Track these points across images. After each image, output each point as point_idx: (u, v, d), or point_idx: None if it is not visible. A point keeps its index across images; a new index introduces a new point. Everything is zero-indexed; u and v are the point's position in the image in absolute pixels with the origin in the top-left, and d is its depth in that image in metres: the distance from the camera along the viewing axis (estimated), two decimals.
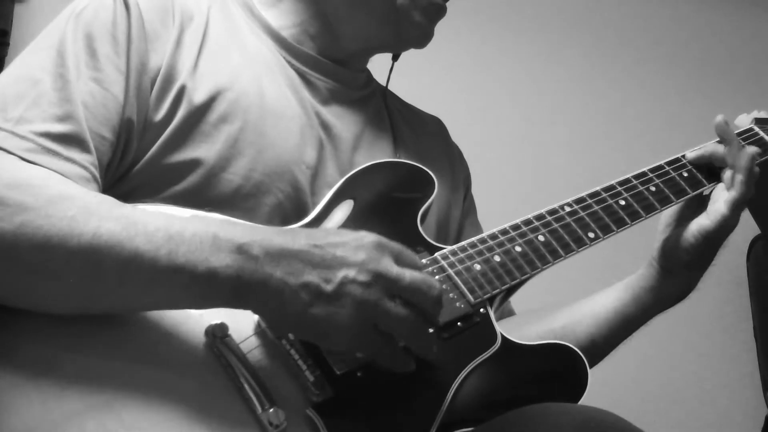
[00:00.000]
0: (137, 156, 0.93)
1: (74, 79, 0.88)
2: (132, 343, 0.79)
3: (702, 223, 1.06)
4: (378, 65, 1.19)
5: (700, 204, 1.11)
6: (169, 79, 0.94)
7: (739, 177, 1.07)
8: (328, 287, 0.77)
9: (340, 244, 0.80)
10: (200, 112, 0.94)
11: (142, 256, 0.75)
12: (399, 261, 0.81)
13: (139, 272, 0.76)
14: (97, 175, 0.88)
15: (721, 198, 1.07)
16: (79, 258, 0.75)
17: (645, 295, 1.12)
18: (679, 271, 1.10)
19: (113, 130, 0.90)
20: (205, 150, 0.93)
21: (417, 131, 1.20)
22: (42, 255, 0.75)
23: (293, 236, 0.80)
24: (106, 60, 0.91)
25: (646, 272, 1.13)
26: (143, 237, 0.76)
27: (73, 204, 0.77)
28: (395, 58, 1.18)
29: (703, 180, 1.12)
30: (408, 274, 0.80)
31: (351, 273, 0.78)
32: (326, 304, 0.77)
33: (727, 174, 1.08)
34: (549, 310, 1.17)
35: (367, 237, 0.81)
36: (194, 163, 0.93)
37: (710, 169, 1.13)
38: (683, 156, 1.14)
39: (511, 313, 1.21)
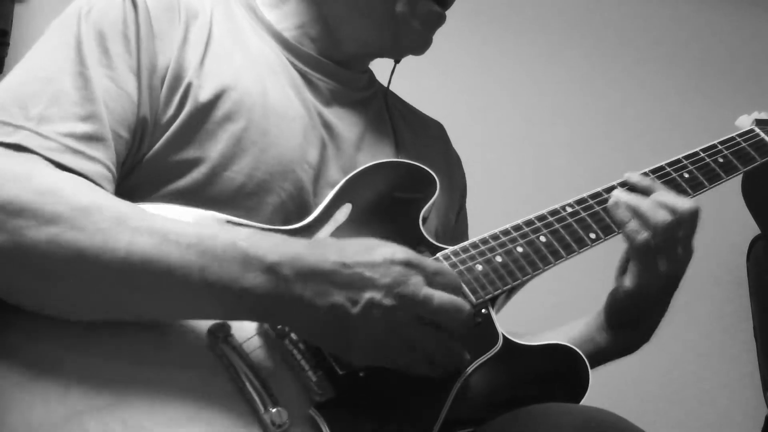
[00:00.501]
0: (144, 153, 0.93)
1: (94, 77, 0.89)
2: (134, 344, 0.79)
3: (623, 282, 1.02)
4: (380, 66, 1.19)
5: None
6: (177, 77, 0.94)
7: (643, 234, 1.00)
8: (354, 310, 0.78)
9: (369, 265, 0.79)
10: (205, 110, 0.94)
11: (174, 272, 0.76)
12: (432, 281, 0.81)
13: (170, 287, 0.77)
14: (116, 174, 0.89)
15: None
16: (111, 273, 0.76)
17: (585, 345, 1.07)
18: (615, 329, 1.07)
19: (129, 128, 0.90)
20: (208, 148, 0.94)
21: (417, 133, 1.20)
22: (73, 267, 0.75)
23: (323, 253, 0.80)
24: (119, 59, 0.91)
25: (592, 320, 1.09)
26: (176, 253, 0.77)
27: (105, 216, 0.77)
28: (397, 60, 1.18)
29: (705, 182, 1.12)
30: (437, 297, 0.80)
31: (377, 296, 0.78)
32: (352, 325, 0.78)
33: (626, 228, 1.01)
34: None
35: (399, 254, 0.81)
36: (198, 161, 0.93)
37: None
38: (684, 157, 1.14)
39: None
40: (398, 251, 0.81)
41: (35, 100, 0.85)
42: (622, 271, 1.04)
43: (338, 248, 0.81)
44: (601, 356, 1.07)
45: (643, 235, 0.99)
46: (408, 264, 0.80)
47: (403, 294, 0.78)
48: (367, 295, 0.78)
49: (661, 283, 1.02)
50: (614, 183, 1.08)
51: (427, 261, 0.82)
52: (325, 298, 0.78)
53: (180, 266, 0.76)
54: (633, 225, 1.00)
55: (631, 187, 1.05)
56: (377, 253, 0.80)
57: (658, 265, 1.00)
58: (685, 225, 1.01)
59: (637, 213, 1.01)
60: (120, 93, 0.90)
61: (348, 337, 0.79)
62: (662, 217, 1.00)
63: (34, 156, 0.82)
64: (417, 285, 0.79)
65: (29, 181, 0.78)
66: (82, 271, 0.75)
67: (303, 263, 0.78)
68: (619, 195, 1.03)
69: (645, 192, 1.04)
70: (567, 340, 1.03)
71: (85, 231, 0.76)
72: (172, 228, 0.79)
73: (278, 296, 0.77)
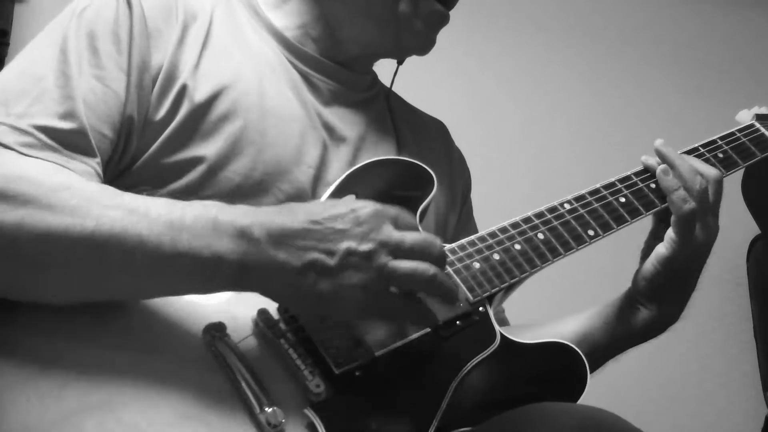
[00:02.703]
0: (138, 153, 0.93)
1: (76, 75, 0.89)
2: (130, 343, 0.79)
3: (659, 251, 1.01)
4: (383, 66, 1.19)
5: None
6: (170, 78, 0.94)
7: (682, 197, 1.01)
8: (332, 261, 0.78)
9: (339, 217, 0.80)
10: (202, 110, 0.94)
11: (145, 243, 0.76)
12: (397, 225, 0.82)
13: (143, 260, 0.76)
14: (99, 171, 0.88)
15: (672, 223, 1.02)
16: (82, 248, 0.76)
17: (615, 323, 1.06)
18: (646, 305, 1.05)
19: (113, 127, 0.90)
20: (205, 148, 0.94)
21: (419, 134, 1.20)
22: (45, 246, 0.75)
23: (292, 214, 0.80)
24: (108, 58, 0.91)
25: (618, 300, 1.08)
26: (145, 224, 0.77)
27: (74, 194, 0.77)
28: (400, 62, 1.18)
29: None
30: (408, 236, 0.81)
31: (353, 244, 0.79)
32: (332, 279, 0.78)
33: (674, 195, 1.02)
34: (518, 331, 1.10)
35: (365, 207, 0.81)
36: (195, 161, 0.93)
37: None
38: (684, 153, 1.13)
39: (503, 322, 1.19)
40: (363, 203, 0.82)
41: (19, 98, 0.86)
42: (650, 249, 1.04)
43: (305, 208, 0.82)
44: (630, 337, 1.06)
45: (691, 204, 1.00)
46: (375, 212, 0.81)
47: (378, 239, 0.79)
48: (343, 245, 0.78)
49: (697, 252, 1.02)
50: (614, 179, 1.07)
51: (387, 207, 0.83)
52: (301, 256, 0.78)
53: (150, 238, 0.76)
54: (682, 193, 1.01)
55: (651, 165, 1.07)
56: (341, 205, 0.81)
57: (695, 232, 1.01)
58: (714, 191, 1.04)
59: (678, 175, 1.03)
60: (106, 91, 0.90)
61: (331, 292, 0.78)
62: (699, 182, 1.02)
63: (10, 151, 0.82)
64: (388, 229, 0.81)
65: (2, 167, 0.79)
66: (52, 249, 0.75)
67: (273, 224, 0.79)
68: (666, 151, 1.06)
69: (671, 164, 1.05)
70: (587, 327, 1.06)
71: (53, 209, 0.76)
72: (142, 202, 0.79)
73: (252, 260, 0.77)
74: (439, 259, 0.83)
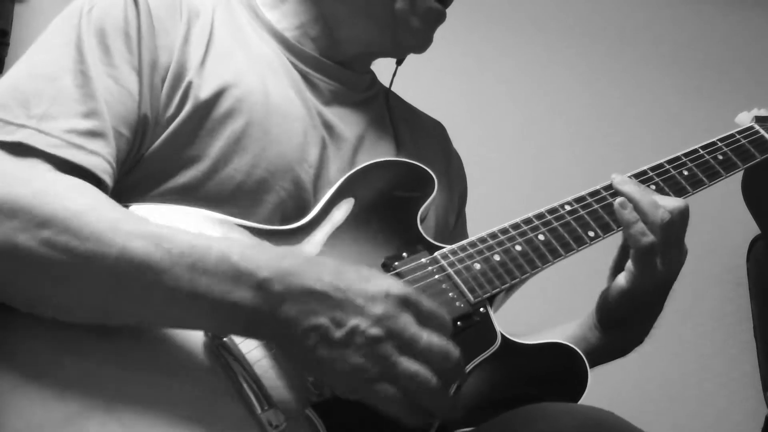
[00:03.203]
0: (145, 150, 0.93)
1: (95, 76, 0.89)
2: (132, 345, 0.79)
3: (619, 282, 1.01)
4: (382, 66, 1.19)
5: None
6: (178, 76, 0.94)
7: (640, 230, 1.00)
8: (337, 333, 0.75)
9: (363, 293, 0.76)
10: (206, 108, 0.94)
11: (164, 281, 0.75)
12: (423, 321, 0.78)
13: (160, 295, 0.75)
14: (116, 170, 0.88)
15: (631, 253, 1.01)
16: (102, 276, 0.75)
17: (580, 345, 1.01)
18: (608, 331, 1.05)
19: (130, 126, 0.90)
20: (208, 145, 0.94)
21: (418, 134, 1.20)
22: (66, 271, 0.75)
23: (318, 273, 0.77)
24: (120, 57, 0.91)
25: (585, 321, 1.08)
26: (168, 261, 0.75)
27: (100, 219, 0.76)
28: (399, 62, 1.18)
29: (704, 179, 1.12)
30: (426, 338, 0.76)
31: (363, 324, 0.75)
32: (332, 350, 0.75)
33: (631, 229, 1.00)
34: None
35: (395, 289, 0.77)
36: (197, 158, 0.93)
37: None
38: (684, 155, 1.14)
39: None
40: (395, 285, 0.78)
41: (37, 98, 0.86)
42: (617, 270, 1.03)
43: (335, 270, 0.78)
44: (595, 356, 1.05)
45: (649, 237, 0.99)
46: (403, 300, 0.77)
47: (391, 328, 0.75)
48: (354, 321, 0.75)
49: (658, 283, 1.01)
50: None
51: (423, 300, 0.79)
52: (310, 318, 0.75)
53: (170, 275, 0.75)
54: (640, 226, 0.99)
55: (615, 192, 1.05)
56: (374, 283, 0.77)
57: (657, 265, 1.00)
58: (678, 224, 1.01)
59: (639, 210, 1.01)
60: (121, 91, 0.90)
61: (327, 361, 0.75)
62: (661, 215, 1.00)
63: (36, 158, 0.82)
64: (407, 322, 0.76)
65: (27, 183, 0.78)
66: (73, 274, 0.75)
67: (295, 281, 0.76)
68: (625, 189, 1.03)
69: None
70: (563, 339, 1.03)
71: (79, 234, 0.75)
72: (166, 235, 0.77)
73: (266, 313, 0.75)
74: (452, 373, 0.77)
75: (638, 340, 1.07)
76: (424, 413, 0.77)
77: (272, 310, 0.75)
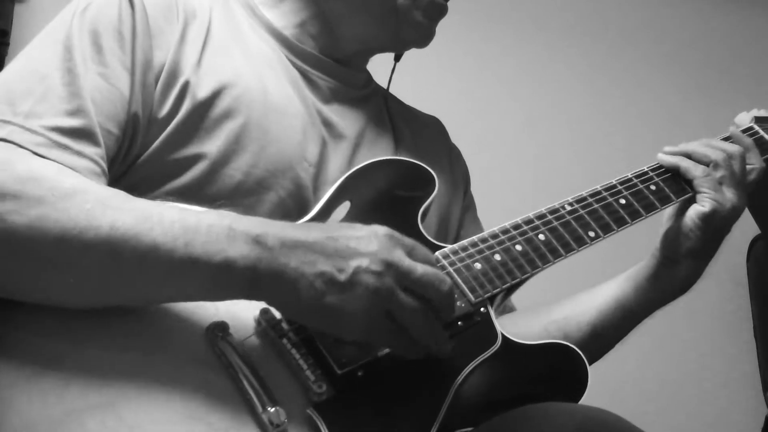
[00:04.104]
0: (141, 151, 0.93)
1: (82, 73, 0.89)
2: (133, 342, 0.79)
3: (698, 208, 1.07)
4: (380, 64, 1.19)
5: None
6: (173, 75, 0.94)
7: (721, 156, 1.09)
8: (342, 276, 0.78)
9: (354, 236, 0.80)
10: (203, 107, 0.94)
11: (159, 247, 0.76)
12: (411, 255, 0.82)
13: (156, 264, 0.76)
14: (105, 169, 0.88)
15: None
16: (96, 250, 0.75)
17: (647, 285, 1.11)
18: (681, 260, 1.09)
19: (119, 125, 0.90)
20: (207, 145, 0.94)
21: (417, 131, 1.20)
22: (59, 248, 0.75)
23: (307, 229, 0.81)
24: (112, 56, 0.91)
25: (648, 263, 1.12)
26: (159, 229, 0.77)
27: (88, 197, 0.77)
28: (397, 58, 1.18)
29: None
30: (420, 267, 0.81)
31: (364, 262, 0.78)
32: (340, 293, 0.78)
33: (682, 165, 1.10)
34: (550, 304, 1.17)
35: (381, 229, 0.82)
36: (196, 158, 0.93)
37: None
38: None
39: (511, 309, 1.21)
40: (379, 226, 0.82)
41: (24, 96, 0.86)
42: (681, 211, 1.09)
43: (322, 226, 0.83)
44: (662, 296, 1.11)
45: (699, 168, 1.08)
46: (390, 236, 0.81)
47: (389, 261, 0.79)
48: (354, 262, 0.78)
49: (732, 209, 1.08)
50: (615, 181, 1.08)
51: (405, 237, 0.83)
52: (312, 267, 0.78)
53: (164, 242, 0.76)
54: (687, 163, 1.09)
55: (665, 170, 1.12)
56: (359, 227, 0.82)
57: (725, 192, 1.07)
58: (735, 159, 1.10)
59: (692, 156, 1.10)
60: (111, 89, 0.90)
61: (336, 307, 0.78)
62: (721, 148, 1.10)
63: (22, 150, 0.82)
64: (401, 255, 0.81)
65: (11, 167, 0.78)
66: (66, 252, 0.75)
67: (288, 234, 0.79)
68: (680, 147, 1.12)
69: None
70: (619, 293, 1.11)
71: (69, 211, 0.76)
72: (156, 207, 0.79)
73: (264, 267, 0.77)
74: (446, 297, 0.82)
75: (701, 270, 1.12)
76: (422, 346, 0.82)
77: (269, 263, 0.77)
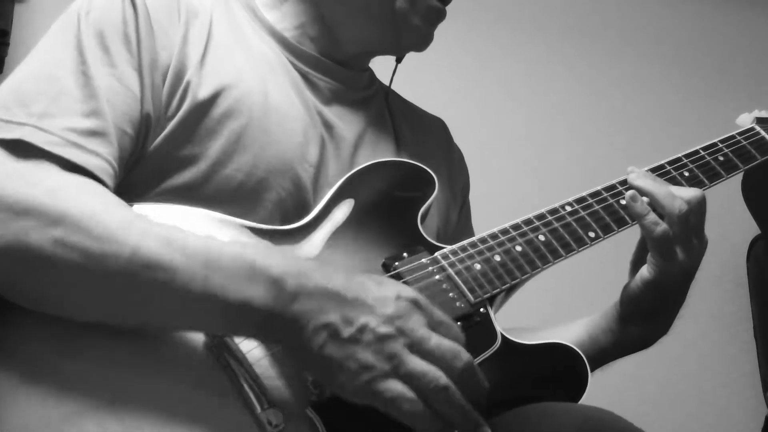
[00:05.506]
0: (146, 149, 0.93)
1: (96, 75, 0.89)
2: (132, 344, 0.79)
3: (643, 274, 1.01)
4: (382, 65, 1.19)
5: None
6: (179, 75, 0.94)
7: (657, 223, 1.00)
8: (346, 330, 0.75)
9: (374, 294, 0.77)
10: (204, 107, 0.94)
11: (177, 279, 0.75)
12: (434, 326, 0.78)
13: (172, 294, 0.76)
14: (117, 170, 0.88)
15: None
16: (116, 277, 0.75)
17: (602, 336, 1.06)
18: (635, 323, 1.05)
19: (134, 125, 0.90)
20: (208, 145, 0.94)
21: (418, 132, 1.20)
22: (79, 270, 0.75)
23: (331, 273, 0.78)
24: (120, 57, 0.91)
25: (608, 313, 1.08)
26: (180, 260, 0.76)
27: (112, 219, 0.77)
28: (399, 60, 1.18)
29: (705, 180, 1.12)
30: (436, 338, 0.76)
31: (373, 322, 0.75)
32: (340, 348, 0.75)
33: (644, 221, 1.00)
34: (515, 332, 1.11)
35: (406, 292, 0.78)
36: (196, 158, 0.93)
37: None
38: (684, 155, 1.14)
39: None
40: (406, 289, 0.79)
41: (37, 98, 0.86)
42: (638, 263, 1.03)
43: (346, 272, 0.79)
44: (619, 349, 1.06)
45: (662, 227, 0.99)
46: (414, 302, 0.78)
47: (402, 326, 0.75)
48: (364, 318, 0.75)
49: (680, 272, 1.01)
50: (615, 181, 1.08)
51: (436, 309, 0.79)
52: (320, 316, 0.75)
53: (183, 272, 0.75)
54: (651, 217, 1.00)
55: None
56: (385, 286, 0.78)
57: (677, 255, 1.00)
58: (695, 213, 1.02)
59: (655, 203, 1.01)
60: (124, 90, 0.90)
61: (336, 360, 0.75)
62: (678, 205, 1.00)
63: (40, 159, 0.82)
64: (417, 322, 0.76)
65: (39, 183, 0.78)
66: (86, 274, 0.75)
67: (308, 279, 0.77)
68: (639, 184, 1.03)
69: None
70: (575, 338, 1.05)
71: (91, 234, 0.75)
72: (179, 235, 0.78)
73: (278, 312, 0.76)
74: (462, 375, 0.76)
75: (663, 330, 1.07)
76: (441, 421, 0.75)
77: (284, 308, 0.75)
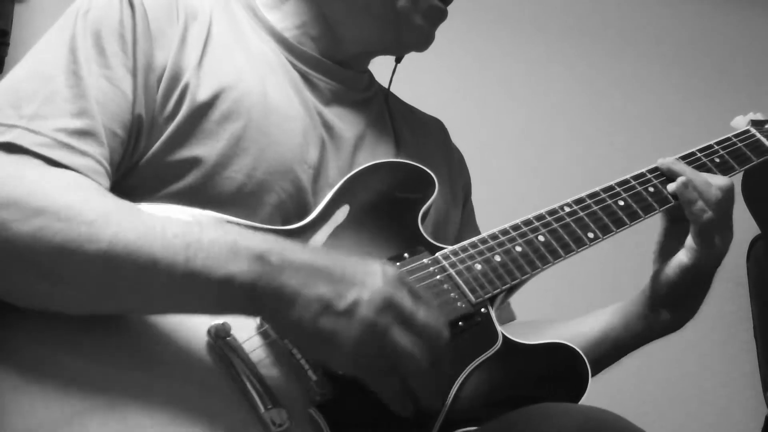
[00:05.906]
0: (143, 153, 0.93)
1: (87, 75, 0.89)
2: (135, 344, 0.79)
3: (681, 260, 1.05)
4: (381, 66, 1.19)
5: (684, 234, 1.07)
6: (175, 77, 0.94)
7: (702, 207, 1.04)
8: (340, 303, 0.76)
9: (362, 269, 0.79)
10: (203, 109, 0.94)
11: (158, 262, 0.75)
12: (417, 303, 0.80)
13: (155, 278, 0.76)
14: (109, 170, 0.88)
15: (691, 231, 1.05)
16: (96, 263, 0.75)
17: (635, 322, 1.10)
18: (667, 308, 1.09)
19: (124, 127, 0.90)
20: (207, 148, 0.94)
21: (418, 133, 1.20)
22: (59, 260, 0.75)
23: (316, 252, 0.80)
24: (115, 58, 0.91)
25: (638, 299, 1.11)
26: (160, 244, 0.76)
27: (93, 209, 0.77)
28: (398, 60, 1.18)
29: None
30: (422, 314, 0.78)
31: (365, 295, 0.76)
32: (335, 319, 0.76)
33: (694, 207, 1.04)
34: (539, 326, 1.15)
35: (391, 270, 0.80)
36: (196, 161, 0.93)
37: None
38: (681, 158, 1.14)
39: (510, 316, 1.20)
40: (389, 266, 0.80)
41: (29, 99, 0.86)
42: (666, 251, 1.07)
43: (332, 252, 0.81)
44: (648, 335, 1.10)
45: (709, 213, 1.03)
46: (399, 278, 0.80)
47: (392, 300, 0.77)
48: (355, 292, 0.76)
49: (716, 258, 1.06)
50: (613, 183, 1.08)
51: (417, 287, 0.82)
52: (312, 288, 0.76)
53: (164, 256, 0.76)
54: (700, 204, 1.03)
55: (662, 173, 1.10)
56: (369, 262, 0.80)
57: (716, 240, 1.04)
58: (728, 200, 1.06)
59: (696, 191, 1.05)
60: (115, 91, 0.90)
61: (328, 332, 0.76)
62: (715, 193, 1.04)
63: (26, 156, 0.82)
64: (405, 297, 0.78)
65: (21, 178, 0.79)
66: (66, 263, 0.75)
67: (294, 254, 0.78)
68: (683, 170, 1.07)
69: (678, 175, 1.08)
70: (606, 326, 1.09)
71: (70, 223, 0.75)
72: (160, 222, 0.78)
73: (264, 284, 0.76)
74: (439, 351, 0.79)
75: (692, 314, 1.11)
76: (411, 402, 0.79)
77: (271, 280, 0.76)
